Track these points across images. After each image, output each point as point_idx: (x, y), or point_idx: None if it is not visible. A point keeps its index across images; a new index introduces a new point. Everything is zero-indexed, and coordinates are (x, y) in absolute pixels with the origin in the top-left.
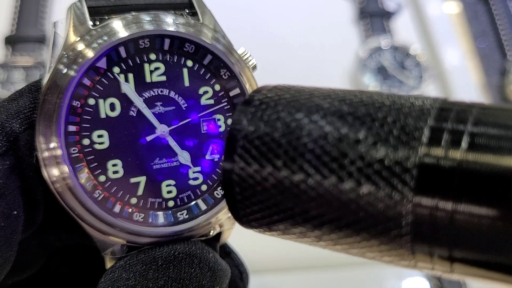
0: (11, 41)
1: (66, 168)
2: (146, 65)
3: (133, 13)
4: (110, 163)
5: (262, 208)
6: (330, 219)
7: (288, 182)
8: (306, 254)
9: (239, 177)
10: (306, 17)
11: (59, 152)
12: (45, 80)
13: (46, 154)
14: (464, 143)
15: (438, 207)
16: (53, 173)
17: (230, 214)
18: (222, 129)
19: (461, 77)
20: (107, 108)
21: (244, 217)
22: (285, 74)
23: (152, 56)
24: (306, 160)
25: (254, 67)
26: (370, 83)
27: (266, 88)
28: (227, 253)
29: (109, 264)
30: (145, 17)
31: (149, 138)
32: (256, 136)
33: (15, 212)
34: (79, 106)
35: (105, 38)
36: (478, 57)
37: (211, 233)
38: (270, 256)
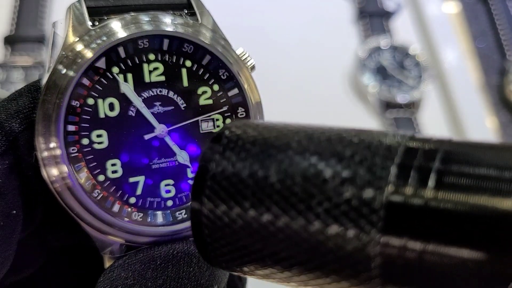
0: (11, 41)
1: (65, 168)
2: (145, 65)
3: (132, 14)
4: (109, 163)
5: (231, 250)
6: (300, 261)
7: (256, 224)
8: None
9: (208, 219)
10: (305, 17)
11: (58, 151)
12: (44, 80)
13: (45, 153)
14: (431, 182)
15: (407, 247)
16: (52, 172)
17: None
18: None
19: (460, 77)
20: (106, 108)
21: (214, 259)
22: (284, 74)
23: (151, 56)
24: (273, 201)
25: (253, 67)
26: (370, 83)
27: (235, 125)
28: None
29: (107, 263)
30: (144, 17)
31: (147, 138)
32: (223, 177)
33: (14, 212)
34: (78, 106)
35: (104, 38)
36: (478, 57)
37: None
38: None
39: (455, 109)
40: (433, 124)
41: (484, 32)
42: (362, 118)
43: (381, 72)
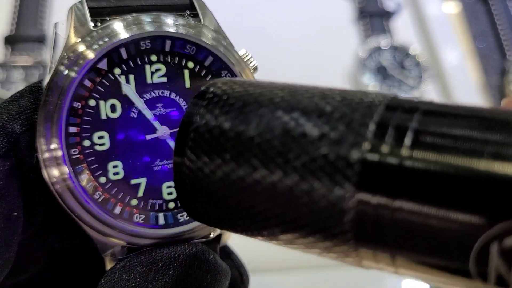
0: (11, 40)
1: (66, 169)
2: (147, 67)
3: (134, 14)
4: (110, 165)
5: (210, 202)
6: (275, 214)
7: (235, 176)
8: (305, 254)
9: (189, 170)
10: (306, 17)
11: (59, 153)
12: (45, 81)
13: (46, 155)
14: (408, 140)
15: (381, 204)
16: (53, 174)
17: None
18: None
19: (460, 77)
20: (107, 109)
21: (194, 211)
22: (284, 74)
23: (153, 58)
24: (252, 154)
25: (255, 69)
26: (370, 83)
27: (221, 81)
28: (227, 254)
29: (109, 265)
30: (146, 18)
31: (149, 139)
32: (206, 129)
33: (15, 214)
34: (79, 107)
35: (106, 39)
36: (478, 57)
37: (211, 235)
38: (269, 256)
39: None
40: None
41: (484, 32)
42: None
43: (381, 72)
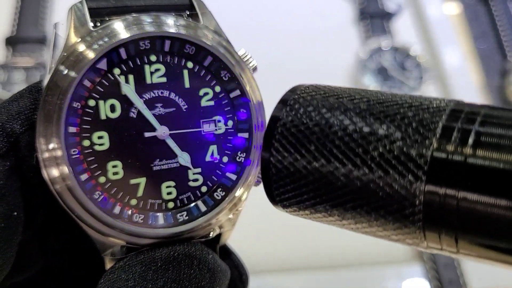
0: (12, 42)
1: (66, 169)
2: (147, 67)
3: (134, 15)
4: (110, 164)
5: (293, 189)
6: (353, 197)
7: (318, 164)
8: (305, 255)
9: (276, 159)
10: (307, 18)
11: (59, 153)
12: (45, 81)
13: (46, 155)
14: (471, 140)
15: (447, 194)
16: (53, 174)
17: (230, 216)
18: (222, 130)
19: (461, 78)
20: (107, 109)
21: (278, 197)
22: (285, 75)
23: (153, 58)
24: (335, 145)
25: (255, 69)
26: (370, 84)
27: (300, 88)
28: (227, 254)
29: (108, 265)
30: (146, 18)
31: (149, 140)
32: (292, 124)
33: (15, 213)
34: (79, 107)
35: (106, 39)
36: (478, 58)
37: (211, 235)
38: (270, 257)
39: None
40: None
41: (485, 33)
42: None
43: (382, 73)
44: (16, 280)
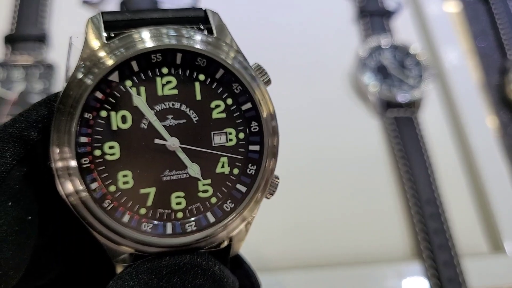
0: (11, 40)
1: (79, 183)
2: (158, 79)
3: (148, 28)
4: (120, 174)
5: None
6: None
7: None
8: (304, 253)
9: None
10: (306, 16)
11: (71, 162)
12: (60, 91)
13: (59, 164)
14: None
15: None
16: (68, 188)
17: (240, 227)
18: (233, 143)
19: (461, 76)
20: (118, 120)
21: None
22: (285, 73)
23: (164, 70)
24: None
25: (268, 81)
26: (370, 82)
27: None
28: (239, 264)
29: (119, 270)
30: (159, 31)
31: (159, 150)
32: None
33: (30, 218)
34: (91, 118)
35: (119, 52)
36: (478, 56)
37: (221, 245)
38: (268, 255)
39: (455, 108)
40: (433, 123)
41: (484, 32)
42: (362, 118)
43: (382, 71)
44: (38, 283)
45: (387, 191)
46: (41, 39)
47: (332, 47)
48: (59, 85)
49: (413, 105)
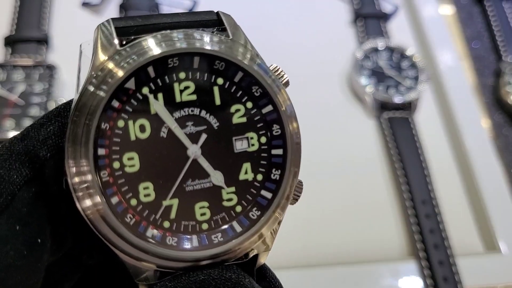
0: (11, 41)
1: (98, 197)
2: (176, 84)
3: (161, 32)
4: (141, 186)
5: None
6: None
7: None
8: (300, 253)
9: None
10: (303, 19)
11: (89, 177)
12: (73, 103)
13: (75, 179)
14: None
15: None
16: (86, 203)
17: (266, 235)
18: (255, 147)
19: (456, 78)
20: (136, 130)
21: None
22: None
23: (182, 75)
24: None
25: (287, 83)
26: (366, 84)
27: None
28: (263, 276)
29: None
30: (173, 35)
31: (180, 159)
32: None
33: (39, 240)
34: (108, 128)
35: (134, 58)
36: (473, 58)
37: (247, 257)
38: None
39: (450, 109)
40: (429, 125)
41: (479, 34)
42: (359, 119)
43: (378, 73)
44: None
45: (383, 191)
46: (41, 40)
47: (328, 49)
48: (59, 86)
49: (409, 107)
